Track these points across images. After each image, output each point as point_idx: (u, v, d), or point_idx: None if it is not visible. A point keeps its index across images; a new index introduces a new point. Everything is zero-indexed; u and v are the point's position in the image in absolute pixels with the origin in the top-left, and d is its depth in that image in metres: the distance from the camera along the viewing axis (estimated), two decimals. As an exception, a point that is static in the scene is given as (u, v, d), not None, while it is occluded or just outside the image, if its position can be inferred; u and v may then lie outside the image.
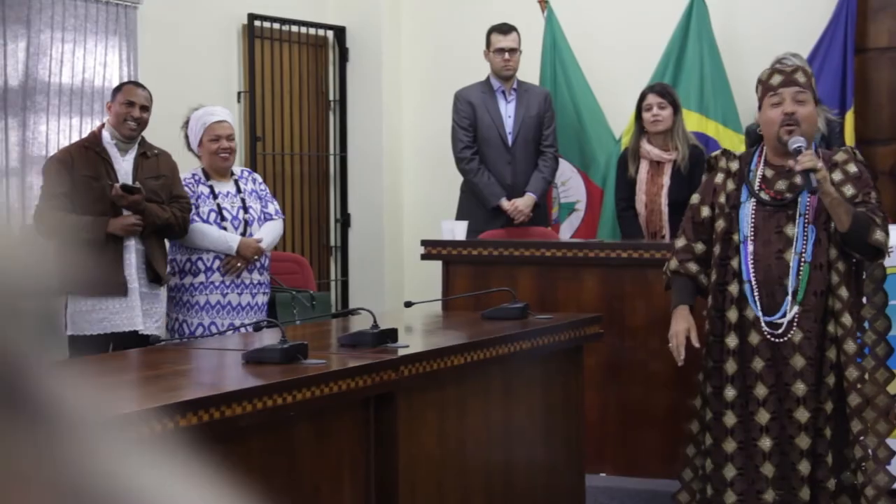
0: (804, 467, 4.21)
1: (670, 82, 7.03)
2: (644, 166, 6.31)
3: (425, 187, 8.29)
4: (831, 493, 4.25)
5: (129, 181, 5.57)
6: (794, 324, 4.24)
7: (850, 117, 6.89)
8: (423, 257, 6.16)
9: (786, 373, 4.24)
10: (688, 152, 6.17)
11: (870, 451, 4.34)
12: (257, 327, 4.32)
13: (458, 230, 6.20)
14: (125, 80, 6.50)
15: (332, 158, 8.32)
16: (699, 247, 4.47)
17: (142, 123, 5.62)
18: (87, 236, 5.46)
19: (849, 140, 6.64)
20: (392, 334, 3.94)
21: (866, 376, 4.31)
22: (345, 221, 8.32)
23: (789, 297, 4.25)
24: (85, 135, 6.23)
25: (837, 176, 4.28)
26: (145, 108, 5.61)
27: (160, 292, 5.68)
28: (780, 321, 4.25)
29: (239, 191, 5.90)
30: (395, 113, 8.37)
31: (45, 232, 5.58)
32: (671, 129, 6.28)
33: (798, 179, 4.26)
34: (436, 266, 6.15)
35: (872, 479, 4.31)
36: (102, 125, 5.66)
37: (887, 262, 5.22)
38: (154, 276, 5.61)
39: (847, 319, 4.23)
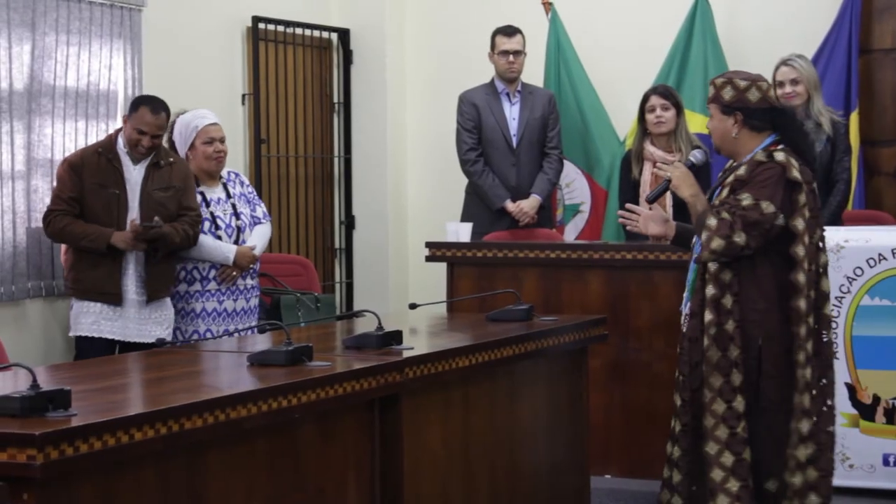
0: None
1: (674, 84, 7.04)
2: (648, 168, 6.31)
3: (430, 189, 8.30)
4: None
5: (139, 191, 5.54)
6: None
7: (854, 118, 6.89)
8: (428, 259, 6.17)
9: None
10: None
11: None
12: (262, 329, 4.32)
13: (462, 232, 6.21)
14: (130, 83, 6.50)
15: (336, 160, 8.32)
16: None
17: (154, 148, 5.58)
18: (88, 246, 5.48)
19: (853, 141, 6.64)
20: (397, 336, 3.94)
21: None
22: (349, 223, 8.32)
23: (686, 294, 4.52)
24: (90, 138, 6.24)
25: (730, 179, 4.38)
26: (157, 136, 5.56)
27: (166, 299, 5.67)
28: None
29: (228, 195, 5.90)
30: (400, 115, 8.37)
31: (50, 235, 5.62)
32: (674, 130, 6.28)
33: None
34: (440, 268, 6.16)
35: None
36: (119, 130, 5.65)
37: (888, 264, 5.24)
38: (154, 288, 5.60)
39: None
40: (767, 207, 4.20)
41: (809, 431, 4.22)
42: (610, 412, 5.62)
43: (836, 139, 6.18)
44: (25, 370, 2.88)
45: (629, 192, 6.39)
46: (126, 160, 5.56)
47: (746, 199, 4.22)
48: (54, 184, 5.75)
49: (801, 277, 4.22)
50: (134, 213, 5.53)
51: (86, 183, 5.52)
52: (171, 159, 5.68)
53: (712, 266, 4.29)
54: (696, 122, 7.00)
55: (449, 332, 4.77)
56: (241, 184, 6.01)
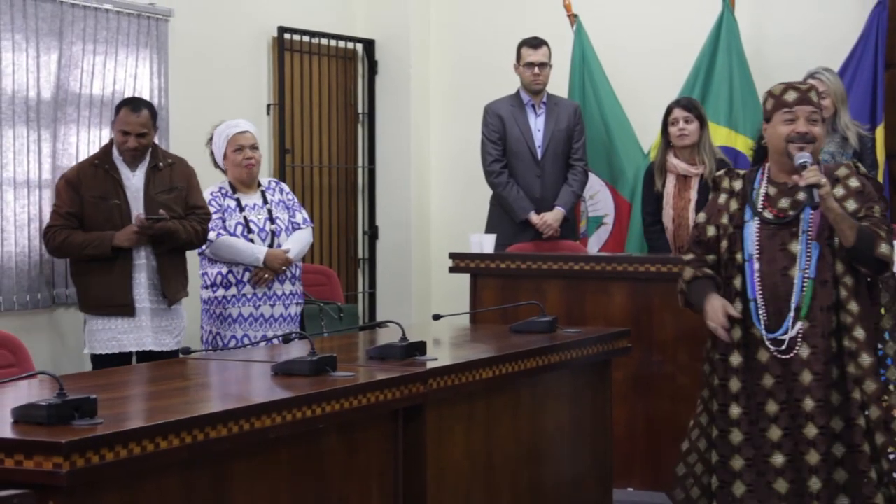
0: (814, 484, 4.20)
1: (699, 96, 7.02)
2: (671, 180, 6.30)
3: (453, 200, 8.30)
4: None
5: (141, 197, 5.52)
6: (800, 339, 4.24)
7: (880, 132, 6.85)
8: (452, 270, 6.17)
9: (795, 389, 4.24)
10: (714, 166, 6.14)
11: None
12: (287, 339, 4.33)
13: (486, 243, 6.21)
14: (157, 92, 6.53)
15: (360, 171, 8.34)
16: (710, 257, 4.48)
17: (141, 148, 5.55)
18: (92, 252, 5.45)
19: (879, 155, 6.61)
20: (420, 347, 3.95)
21: (891, 387, 4.31)
22: (373, 234, 8.33)
23: (792, 314, 4.25)
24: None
25: (839, 191, 4.30)
26: (142, 135, 5.52)
27: (178, 307, 5.66)
28: (782, 338, 4.25)
29: (265, 202, 5.92)
30: (424, 125, 8.38)
31: (52, 251, 5.59)
32: (697, 143, 6.27)
33: (801, 196, 4.28)
34: (464, 279, 6.16)
35: None
36: (113, 139, 5.63)
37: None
38: (173, 290, 5.59)
39: (860, 333, 4.22)
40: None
41: None
42: (633, 425, 5.61)
43: (862, 153, 6.16)
44: (52, 378, 2.89)
45: (652, 204, 6.38)
46: (123, 168, 5.54)
47: (878, 211, 4.27)
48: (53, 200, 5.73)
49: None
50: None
51: (85, 197, 5.49)
52: (171, 160, 5.68)
53: (849, 280, 4.26)
54: (721, 135, 6.99)
55: (472, 343, 4.78)
56: (282, 191, 6.03)
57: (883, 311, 4.36)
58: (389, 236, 8.30)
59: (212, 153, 5.96)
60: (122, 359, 5.51)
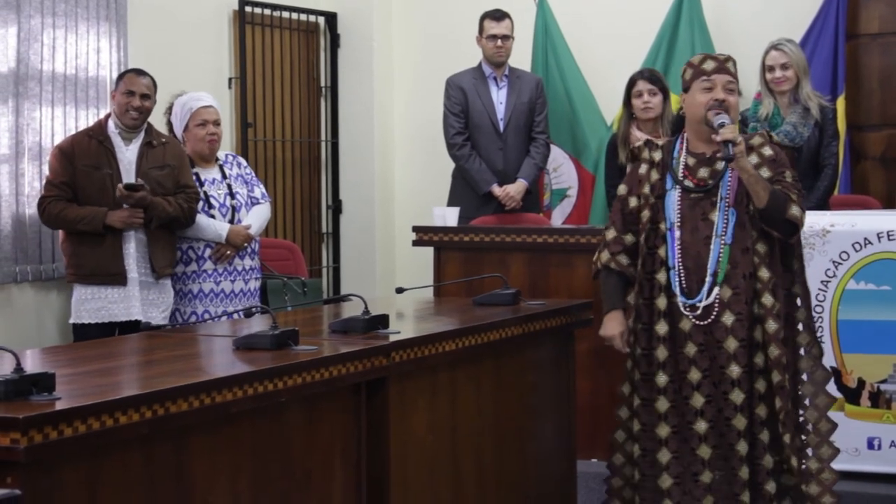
0: (742, 447, 4.28)
1: (661, 68, 7.03)
2: (635, 153, 6.30)
3: (417, 173, 8.29)
4: (768, 470, 4.30)
5: (133, 171, 5.59)
6: (718, 306, 4.29)
7: (841, 103, 6.89)
8: (415, 243, 6.16)
9: (719, 356, 4.29)
10: (679, 138, 6.15)
11: (809, 426, 4.42)
12: (248, 313, 4.31)
13: (449, 216, 6.20)
14: (116, 66, 6.49)
15: (323, 145, 8.31)
16: (629, 238, 4.51)
17: (144, 112, 5.66)
18: (84, 228, 5.50)
19: (840, 126, 6.64)
20: (383, 320, 3.94)
21: (802, 351, 4.41)
22: (336, 208, 8.31)
23: (709, 279, 4.29)
24: (79, 122, 6.23)
25: (754, 159, 4.36)
26: (146, 97, 5.65)
27: (166, 282, 5.69)
28: (699, 304, 4.29)
29: (224, 176, 5.91)
30: (387, 99, 8.36)
31: (46, 222, 5.64)
32: (661, 115, 6.28)
33: (720, 165, 4.35)
34: (427, 252, 6.15)
35: (816, 453, 4.40)
36: (109, 114, 5.71)
37: (874, 248, 5.26)
38: (160, 265, 5.62)
39: (767, 299, 4.28)
40: None
41: None
42: (597, 396, 5.62)
43: (823, 124, 6.19)
44: (9, 353, 2.87)
45: (616, 176, 6.37)
46: (118, 141, 5.61)
47: (789, 176, 4.33)
48: (46, 171, 5.77)
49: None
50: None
51: (77, 167, 5.56)
52: (164, 140, 5.75)
53: (761, 247, 4.30)
54: (682, 106, 7.00)
55: (435, 316, 4.78)
56: (239, 165, 6.02)
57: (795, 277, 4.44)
58: (353, 210, 8.29)
59: (169, 122, 5.92)
60: (106, 331, 5.52)
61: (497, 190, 6.85)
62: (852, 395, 5.33)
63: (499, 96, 7.00)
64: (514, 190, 6.86)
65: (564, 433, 4.84)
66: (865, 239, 5.32)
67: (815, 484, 4.39)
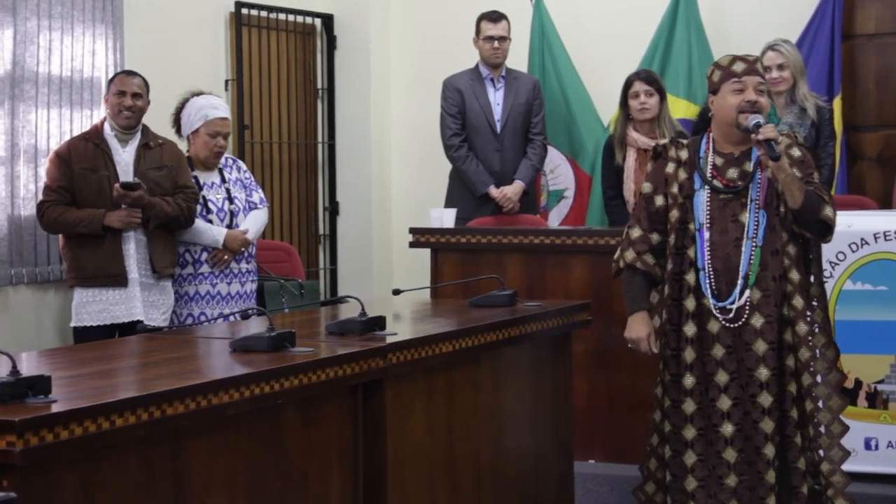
0: (769, 451, 4.25)
1: (658, 69, 7.03)
2: (631, 154, 6.31)
3: (414, 175, 8.29)
4: (803, 472, 4.29)
5: (130, 172, 5.60)
6: (748, 308, 4.27)
7: (837, 104, 6.89)
8: (412, 245, 6.17)
9: (748, 358, 4.27)
10: (675, 140, 6.16)
11: (822, 427, 4.40)
12: (245, 315, 4.31)
13: (446, 218, 6.20)
14: (112, 68, 6.48)
15: (320, 146, 8.31)
16: (655, 237, 4.46)
17: (136, 111, 5.67)
18: (83, 231, 5.51)
19: (836, 126, 6.65)
20: (380, 322, 3.94)
21: (817, 353, 4.37)
22: (333, 209, 8.31)
23: (740, 282, 4.27)
24: (75, 124, 6.24)
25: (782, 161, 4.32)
26: (138, 96, 5.66)
27: (167, 284, 5.69)
28: (730, 306, 4.28)
29: (223, 180, 5.90)
30: (384, 101, 8.35)
31: (45, 226, 5.65)
32: (657, 116, 6.28)
33: (749, 166, 4.32)
34: (424, 254, 6.16)
35: (827, 454, 4.38)
36: (104, 118, 5.73)
37: (870, 248, 5.26)
38: (161, 266, 5.63)
39: (798, 301, 4.28)
40: None
41: None
42: (593, 397, 5.63)
43: (820, 125, 6.19)
44: (5, 356, 2.86)
45: (612, 178, 6.39)
46: (114, 143, 5.64)
47: (817, 178, 4.31)
48: (42, 174, 5.78)
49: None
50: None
51: (74, 170, 5.58)
52: (161, 141, 5.77)
53: (791, 249, 4.30)
54: (679, 108, 7.00)
55: (432, 317, 4.77)
56: (239, 169, 6.01)
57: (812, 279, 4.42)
58: (350, 212, 8.28)
59: (177, 120, 5.90)
60: (107, 333, 5.52)
61: (494, 191, 6.85)
62: (849, 396, 5.33)
63: (495, 98, 7.00)
64: (511, 191, 6.86)
65: (561, 434, 4.83)
66: (862, 239, 5.32)
67: (829, 488, 4.37)
